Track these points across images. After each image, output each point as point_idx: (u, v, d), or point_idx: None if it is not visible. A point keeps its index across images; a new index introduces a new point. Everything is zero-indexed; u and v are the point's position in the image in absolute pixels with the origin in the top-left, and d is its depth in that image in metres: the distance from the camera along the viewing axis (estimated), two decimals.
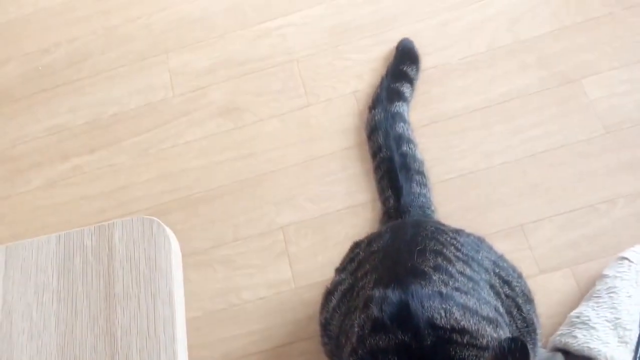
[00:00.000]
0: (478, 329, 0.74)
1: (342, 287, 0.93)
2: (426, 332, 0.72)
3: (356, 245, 1.00)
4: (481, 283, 0.84)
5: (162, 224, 0.63)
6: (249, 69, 1.36)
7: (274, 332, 1.14)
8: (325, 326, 0.94)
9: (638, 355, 0.84)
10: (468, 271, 0.84)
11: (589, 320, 0.90)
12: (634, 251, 0.98)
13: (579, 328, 0.90)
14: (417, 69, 1.26)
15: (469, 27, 1.31)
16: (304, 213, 1.22)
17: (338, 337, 0.87)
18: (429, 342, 0.71)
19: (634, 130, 1.17)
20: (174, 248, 0.62)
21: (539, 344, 0.91)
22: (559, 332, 0.93)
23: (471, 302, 0.77)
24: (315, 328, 1.11)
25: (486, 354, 0.73)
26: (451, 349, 0.71)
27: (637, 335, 0.86)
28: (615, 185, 1.13)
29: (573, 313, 0.93)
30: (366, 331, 0.75)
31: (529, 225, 1.13)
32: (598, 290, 0.94)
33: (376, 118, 1.21)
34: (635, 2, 1.26)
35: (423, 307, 0.74)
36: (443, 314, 0.74)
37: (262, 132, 1.30)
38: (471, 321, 0.74)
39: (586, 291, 1.03)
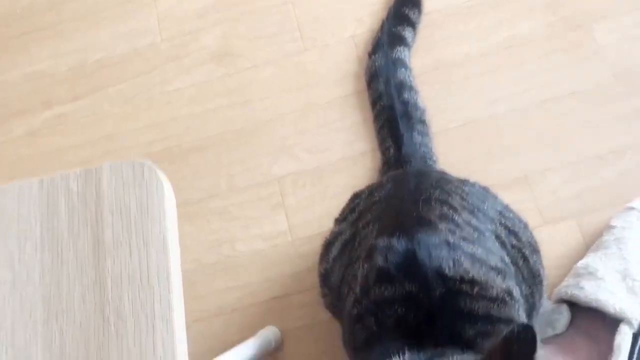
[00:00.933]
0: (487, 280, 0.71)
1: (342, 238, 0.90)
2: (434, 282, 0.69)
3: (356, 195, 0.96)
4: (487, 233, 0.80)
5: (154, 167, 0.58)
6: (242, 11, 1.28)
7: (271, 284, 1.11)
8: (325, 277, 0.90)
9: None
10: (474, 221, 0.80)
11: (597, 271, 0.88)
12: None
13: (586, 279, 0.87)
14: (419, 12, 1.20)
15: None
16: (300, 163, 1.17)
17: (339, 288, 0.84)
18: (437, 293, 0.68)
19: None
20: (167, 193, 0.57)
21: (545, 295, 0.88)
22: (564, 284, 0.90)
23: (479, 252, 0.74)
24: (313, 280, 1.08)
25: (495, 306, 0.70)
26: (461, 300, 0.68)
27: None
28: (624, 135, 1.09)
29: (580, 264, 0.91)
30: (370, 281, 0.72)
31: (533, 175, 1.09)
32: (605, 241, 0.91)
33: (376, 64, 1.15)
34: None
35: (431, 256, 0.71)
36: (452, 264, 0.70)
37: (257, 78, 1.23)
38: (480, 271, 0.71)
39: (591, 243, 1.00)
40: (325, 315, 1.02)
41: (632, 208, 0.94)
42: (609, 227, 0.94)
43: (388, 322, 0.68)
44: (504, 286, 0.72)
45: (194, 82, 1.24)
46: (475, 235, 0.77)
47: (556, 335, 0.87)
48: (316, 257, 1.00)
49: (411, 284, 0.69)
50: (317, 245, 1.00)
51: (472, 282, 0.70)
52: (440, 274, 0.69)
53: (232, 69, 1.25)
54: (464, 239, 0.75)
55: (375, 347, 0.67)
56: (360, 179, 1.13)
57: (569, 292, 0.88)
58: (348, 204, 0.96)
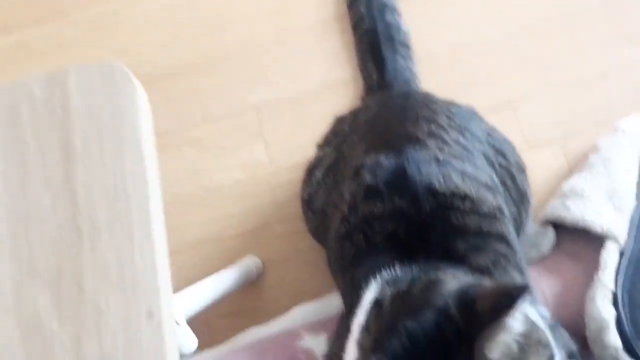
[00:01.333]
0: (479, 196, 0.69)
1: (326, 162, 0.86)
2: (425, 198, 0.66)
3: (340, 120, 0.93)
4: (475, 152, 0.78)
5: (127, 70, 0.53)
6: None
7: (251, 214, 1.08)
8: (308, 202, 0.88)
9: (635, 230, 0.81)
10: (462, 140, 0.78)
11: (583, 191, 0.86)
12: (627, 121, 0.93)
13: (572, 200, 0.86)
14: None
15: None
16: (279, 91, 1.12)
17: (323, 212, 0.82)
18: (428, 209, 0.66)
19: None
20: (140, 96, 0.52)
21: (530, 216, 0.87)
22: (550, 205, 0.89)
23: (469, 169, 0.72)
24: (294, 210, 1.05)
25: (486, 221, 0.68)
26: (452, 216, 0.66)
27: (632, 204, 0.82)
28: (610, 57, 1.07)
29: (565, 185, 0.89)
30: (359, 199, 0.69)
31: (518, 100, 1.07)
32: (591, 162, 0.90)
33: None
34: None
35: (420, 172, 0.68)
36: (442, 179, 0.68)
37: (230, 1, 1.17)
38: (471, 187, 0.69)
39: (576, 167, 0.99)
40: (306, 243, 1.00)
41: (618, 128, 0.92)
42: (594, 148, 0.93)
43: (377, 239, 0.66)
44: (495, 203, 0.71)
45: (164, 5, 1.17)
46: (465, 153, 0.75)
47: (541, 257, 0.86)
48: (298, 187, 0.97)
49: (401, 199, 0.67)
50: (298, 174, 0.97)
51: (464, 197, 0.67)
52: (431, 190, 0.67)
53: None
54: (454, 156, 0.73)
55: (365, 263, 0.65)
56: (342, 107, 1.08)
57: (555, 213, 0.87)
58: (331, 128, 0.92)
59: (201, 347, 0.81)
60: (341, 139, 0.87)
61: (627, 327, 0.73)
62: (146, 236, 0.48)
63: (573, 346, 0.68)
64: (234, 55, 1.14)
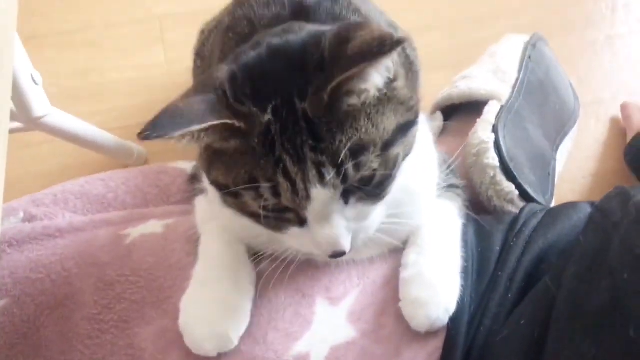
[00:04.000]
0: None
1: (220, 26, 0.85)
2: None
3: None
4: None
5: None
6: None
7: (140, 109, 1.03)
8: (199, 53, 0.85)
9: (516, 86, 0.82)
10: None
11: (471, 74, 0.89)
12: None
13: (461, 82, 0.88)
14: None
15: None
16: (183, 6, 1.12)
17: (212, 53, 0.79)
18: None
19: None
20: None
21: None
22: (440, 94, 0.90)
23: None
24: None
25: None
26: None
27: (515, 76, 0.85)
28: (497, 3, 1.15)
29: (457, 77, 0.92)
30: None
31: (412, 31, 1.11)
32: (481, 59, 0.94)
33: None
34: None
35: None
36: None
37: None
38: None
39: None
40: None
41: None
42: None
43: (263, 22, 0.63)
44: None
45: None
46: None
47: None
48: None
49: None
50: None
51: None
52: None
53: None
54: None
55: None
56: None
57: (444, 95, 0.88)
58: None
59: None
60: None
61: (503, 147, 0.72)
62: None
63: (456, 181, 0.66)
64: None
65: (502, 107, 0.80)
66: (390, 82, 0.46)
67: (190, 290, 0.53)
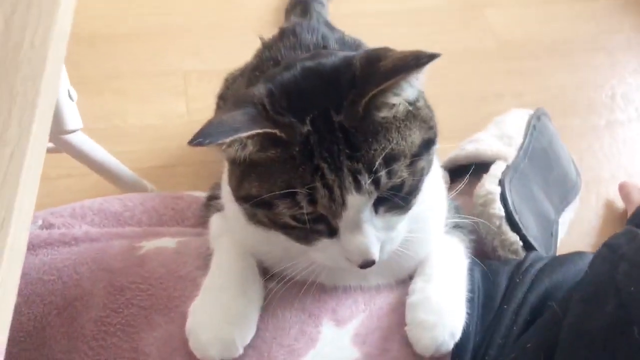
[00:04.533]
0: None
1: (243, 71, 0.91)
2: None
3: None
4: None
5: None
6: None
7: (157, 154, 1.06)
8: (222, 96, 0.89)
9: (522, 149, 0.86)
10: None
11: (477, 138, 0.93)
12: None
13: (467, 144, 0.92)
14: None
15: None
16: (209, 65, 1.19)
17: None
18: None
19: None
20: None
21: None
22: (448, 155, 0.94)
23: None
24: (201, 157, 1.06)
25: None
26: None
27: (520, 141, 0.89)
28: (503, 84, 1.22)
29: (464, 141, 0.96)
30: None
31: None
32: (487, 127, 0.98)
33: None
34: None
35: None
36: None
37: None
38: None
39: None
40: (204, 184, 0.98)
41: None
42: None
43: None
44: None
45: None
46: None
47: None
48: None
49: None
50: None
51: None
52: None
53: None
54: None
55: None
56: None
57: (451, 156, 0.92)
58: None
59: None
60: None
61: (509, 199, 0.74)
62: None
63: (461, 221, 0.68)
64: (173, 31, 1.24)
65: (507, 166, 0.83)
66: (415, 101, 0.50)
67: (200, 297, 0.54)
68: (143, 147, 1.07)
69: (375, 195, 0.48)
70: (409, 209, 0.51)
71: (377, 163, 0.47)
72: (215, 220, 0.62)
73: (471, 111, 1.17)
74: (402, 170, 0.48)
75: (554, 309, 0.51)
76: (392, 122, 0.48)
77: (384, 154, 0.47)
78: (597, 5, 1.35)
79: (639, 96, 1.22)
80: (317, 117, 0.48)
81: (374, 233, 0.49)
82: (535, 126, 0.95)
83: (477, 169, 0.89)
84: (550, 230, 0.83)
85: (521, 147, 0.87)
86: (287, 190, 0.47)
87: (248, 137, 0.46)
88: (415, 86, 0.49)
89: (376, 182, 0.47)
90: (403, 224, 0.52)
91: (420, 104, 0.51)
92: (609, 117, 1.19)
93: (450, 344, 0.53)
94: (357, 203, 0.47)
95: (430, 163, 0.52)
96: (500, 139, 0.92)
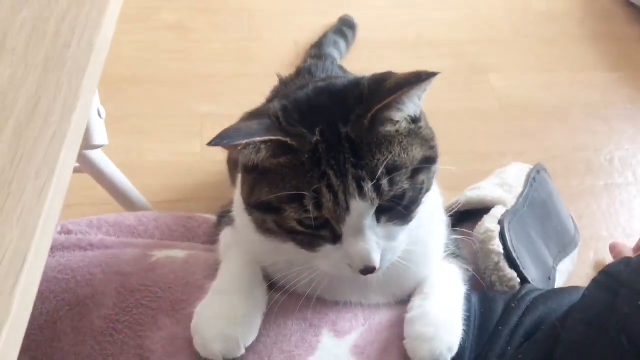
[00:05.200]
0: None
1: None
2: None
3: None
4: None
5: None
6: (202, 7, 1.47)
7: (170, 190, 1.11)
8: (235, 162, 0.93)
9: (522, 197, 0.89)
10: None
11: (479, 187, 0.97)
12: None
13: (469, 191, 0.95)
14: (354, 34, 1.43)
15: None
16: (226, 109, 1.25)
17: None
18: None
19: None
20: None
21: None
22: (450, 201, 0.98)
23: None
24: (212, 194, 1.11)
25: None
26: None
27: (521, 188, 0.92)
28: (503, 144, 1.27)
29: (466, 189, 1.00)
30: None
31: None
32: (490, 177, 1.02)
33: (312, 53, 1.33)
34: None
35: None
36: None
37: (204, 48, 1.38)
38: None
39: None
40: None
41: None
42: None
43: None
44: None
45: (147, 39, 1.37)
46: None
47: None
48: (222, 178, 1.05)
49: None
50: (224, 167, 1.05)
51: None
52: None
53: (183, 36, 1.39)
54: None
55: None
56: None
57: (452, 200, 0.95)
58: None
59: None
60: None
61: (508, 237, 0.77)
62: None
63: (459, 251, 0.71)
64: (194, 80, 1.31)
65: (507, 210, 0.87)
66: (417, 120, 0.54)
67: (207, 299, 0.56)
68: (156, 182, 1.12)
69: (377, 202, 0.51)
70: (410, 220, 0.54)
71: (379, 171, 0.50)
72: (225, 234, 0.65)
73: (475, 167, 1.21)
74: (402, 181, 0.51)
75: (554, 323, 0.53)
76: (395, 137, 0.53)
77: (385, 163, 0.51)
78: (596, 77, 1.42)
79: (636, 162, 1.27)
80: (325, 128, 0.52)
81: (375, 240, 0.52)
82: (535, 178, 0.98)
83: (479, 214, 0.92)
84: (548, 275, 0.85)
85: (521, 195, 0.91)
86: (296, 192, 0.50)
87: (262, 142, 0.51)
88: (417, 104, 0.54)
89: (378, 189, 0.50)
90: (403, 236, 0.55)
91: (422, 124, 0.55)
92: (607, 179, 1.24)
93: (447, 357, 0.54)
94: (360, 208, 0.51)
95: (430, 180, 0.56)
96: (501, 187, 0.95)
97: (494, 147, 1.27)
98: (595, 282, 0.58)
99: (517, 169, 1.02)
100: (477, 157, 1.25)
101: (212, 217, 0.76)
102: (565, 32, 1.51)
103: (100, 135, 0.73)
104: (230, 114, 1.27)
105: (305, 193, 0.50)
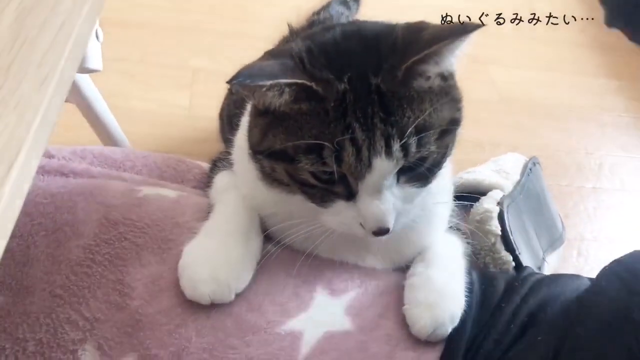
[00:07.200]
0: None
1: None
2: None
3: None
4: None
5: None
6: None
7: (155, 138, 1.06)
8: (229, 117, 0.87)
9: (519, 185, 0.87)
10: None
11: (475, 171, 0.94)
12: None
13: (466, 175, 0.93)
14: (357, 8, 1.38)
15: None
16: (220, 66, 1.20)
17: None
18: None
19: None
20: None
21: None
22: None
23: None
24: (199, 150, 1.05)
25: None
26: None
27: (516, 179, 0.90)
28: (500, 134, 1.26)
29: (461, 172, 0.97)
30: None
31: None
32: (485, 164, 1.00)
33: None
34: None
35: None
36: None
37: (202, 1, 1.32)
38: None
39: None
40: None
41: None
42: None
43: None
44: None
45: None
46: None
47: None
48: (210, 135, 1.00)
49: None
50: (212, 124, 1.00)
51: None
52: None
53: None
54: None
55: None
56: None
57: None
58: None
59: None
60: None
61: (506, 219, 0.74)
62: None
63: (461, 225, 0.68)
64: (189, 31, 1.26)
65: (504, 195, 0.84)
66: (449, 78, 0.51)
67: (198, 237, 0.52)
68: (141, 129, 1.06)
69: (402, 162, 0.47)
70: (429, 182, 0.51)
71: (409, 130, 0.46)
72: (220, 176, 0.60)
73: (466, 154, 1.19)
74: (430, 142, 0.48)
75: (568, 306, 0.51)
76: (427, 93, 0.48)
77: (416, 123, 0.47)
78: (595, 82, 1.42)
79: (625, 170, 1.27)
80: (354, 77, 0.47)
81: (392, 201, 0.48)
82: (532, 169, 0.97)
83: (470, 200, 0.89)
84: (538, 265, 0.83)
85: (518, 183, 0.89)
86: (315, 142, 0.46)
87: (287, 85, 0.46)
88: (458, 55, 0.50)
89: (406, 149, 0.47)
90: (420, 199, 0.51)
91: (453, 82, 0.52)
92: (596, 183, 1.23)
93: (448, 328, 0.51)
94: (384, 167, 0.47)
95: (453, 144, 0.52)
96: (497, 172, 0.93)
97: (487, 136, 1.25)
98: (608, 269, 0.56)
99: (514, 158, 1.00)
100: (469, 144, 1.23)
101: (204, 164, 0.71)
102: (567, 37, 1.51)
103: (95, 59, 0.68)
104: (224, 71, 1.23)
105: (326, 144, 0.46)
